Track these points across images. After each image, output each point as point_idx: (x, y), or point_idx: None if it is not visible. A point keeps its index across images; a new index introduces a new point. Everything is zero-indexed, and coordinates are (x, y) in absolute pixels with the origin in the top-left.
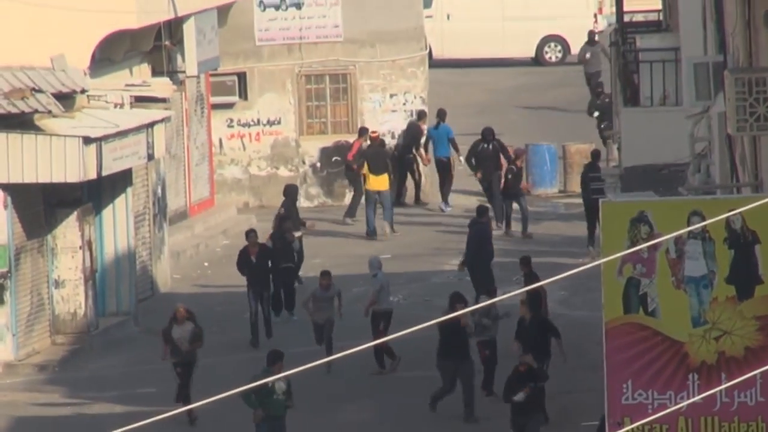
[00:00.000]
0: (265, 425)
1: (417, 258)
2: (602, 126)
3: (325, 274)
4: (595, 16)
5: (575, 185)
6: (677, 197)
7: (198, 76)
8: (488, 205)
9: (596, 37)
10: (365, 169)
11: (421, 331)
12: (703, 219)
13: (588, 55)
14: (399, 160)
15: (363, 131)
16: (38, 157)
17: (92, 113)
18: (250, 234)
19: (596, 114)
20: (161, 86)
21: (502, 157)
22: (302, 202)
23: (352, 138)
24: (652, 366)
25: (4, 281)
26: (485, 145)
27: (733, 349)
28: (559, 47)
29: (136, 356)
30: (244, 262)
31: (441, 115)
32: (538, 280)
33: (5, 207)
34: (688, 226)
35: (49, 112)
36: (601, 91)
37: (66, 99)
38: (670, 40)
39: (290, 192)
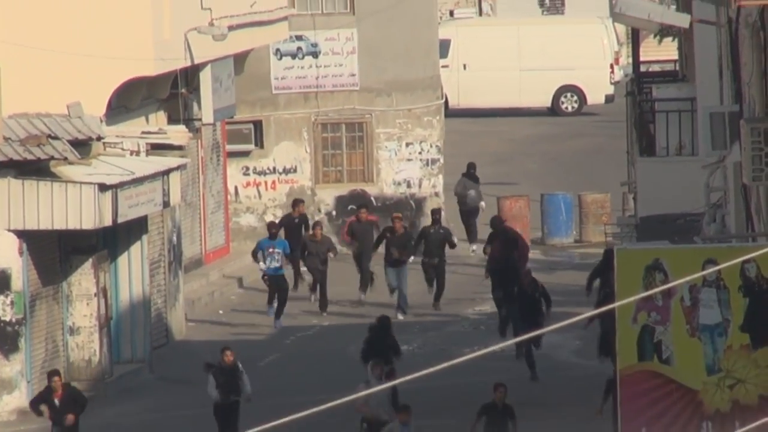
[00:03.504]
0: None
1: (432, 307)
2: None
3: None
4: (612, 66)
5: (590, 235)
6: (692, 245)
7: (214, 124)
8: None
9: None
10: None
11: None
12: (718, 267)
13: (471, 192)
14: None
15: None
16: (54, 204)
17: (108, 160)
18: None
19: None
20: (177, 134)
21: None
22: None
23: (368, 187)
24: (666, 414)
25: (20, 328)
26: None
27: (747, 397)
28: (575, 97)
29: (151, 404)
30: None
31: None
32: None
33: (21, 254)
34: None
35: (65, 159)
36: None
37: (82, 146)
38: (686, 90)
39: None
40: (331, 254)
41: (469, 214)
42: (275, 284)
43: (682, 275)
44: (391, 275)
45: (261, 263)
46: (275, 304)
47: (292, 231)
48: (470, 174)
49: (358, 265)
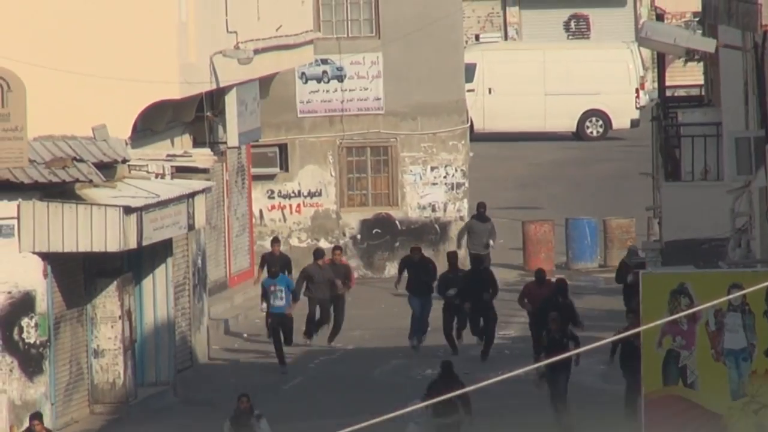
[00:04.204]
0: None
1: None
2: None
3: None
4: (637, 91)
5: (615, 259)
6: (717, 269)
7: (239, 147)
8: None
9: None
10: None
11: None
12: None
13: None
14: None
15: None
16: (79, 227)
17: (133, 183)
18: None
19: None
20: (202, 157)
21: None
22: None
23: (392, 211)
24: None
25: (44, 350)
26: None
27: None
28: (601, 122)
29: (175, 426)
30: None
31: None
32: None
33: (45, 276)
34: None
35: (90, 181)
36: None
37: (107, 169)
38: (711, 114)
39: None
40: (339, 283)
41: (479, 261)
42: (279, 323)
43: (708, 300)
44: (415, 304)
45: (263, 304)
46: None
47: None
48: (480, 215)
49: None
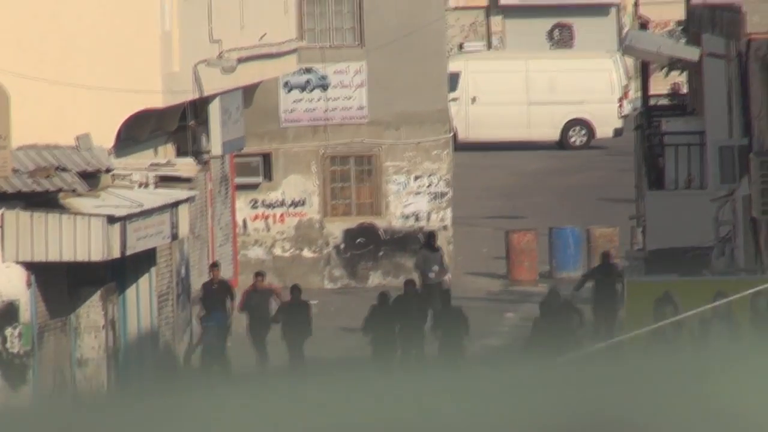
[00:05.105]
0: None
1: None
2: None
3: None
4: (620, 100)
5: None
6: (702, 277)
7: (222, 157)
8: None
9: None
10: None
11: None
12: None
13: (435, 269)
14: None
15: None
16: (62, 236)
17: (117, 192)
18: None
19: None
20: (186, 166)
21: None
22: (325, 284)
23: (376, 220)
24: None
25: (27, 360)
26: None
27: None
28: (584, 131)
29: None
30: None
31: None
32: None
33: (29, 286)
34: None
35: (74, 190)
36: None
37: (91, 178)
38: (695, 123)
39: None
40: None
41: (431, 290)
42: (213, 360)
43: (693, 308)
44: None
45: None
46: None
47: (213, 301)
48: (429, 245)
49: (252, 341)
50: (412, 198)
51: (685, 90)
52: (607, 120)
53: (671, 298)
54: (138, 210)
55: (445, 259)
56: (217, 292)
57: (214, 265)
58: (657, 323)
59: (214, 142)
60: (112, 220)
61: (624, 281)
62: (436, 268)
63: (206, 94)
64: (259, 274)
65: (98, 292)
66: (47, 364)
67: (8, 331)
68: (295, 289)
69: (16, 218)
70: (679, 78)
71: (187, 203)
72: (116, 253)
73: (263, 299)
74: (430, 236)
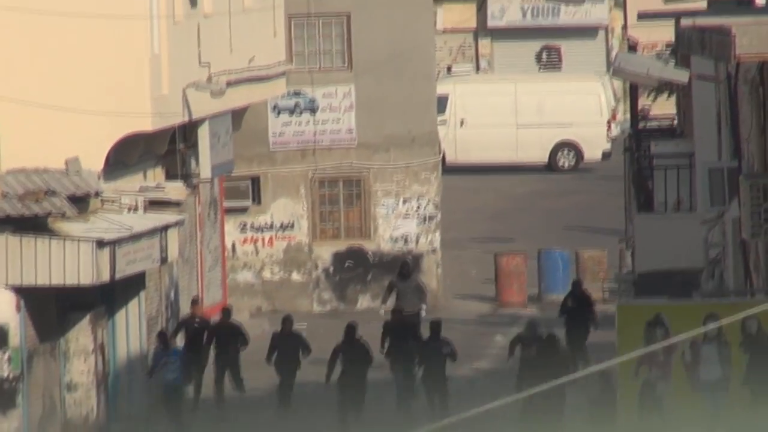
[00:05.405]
0: None
1: None
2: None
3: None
4: (609, 123)
5: (588, 290)
6: (693, 300)
7: (212, 180)
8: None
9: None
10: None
11: None
12: (718, 322)
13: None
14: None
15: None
16: (52, 260)
17: (106, 216)
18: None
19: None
20: (175, 190)
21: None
22: (314, 307)
23: (365, 243)
24: None
25: (17, 384)
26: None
27: None
28: (573, 154)
29: None
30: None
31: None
32: None
33: (18, 310)
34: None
35: (63, 214)
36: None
37: (80, 202)
38: (684, 145)
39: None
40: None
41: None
42: (173, 399)
43: (683, 331)
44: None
45: (151, 376)
46: None
47: (194, 338)
48: (402, 274)
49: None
50: (400, 221)
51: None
52: (595, 143)
53: (662, 321)
54: (127, 234)
55: (422, 287)
56: (198, 330)
57: (195, 302)
58: (648, 346)
59: (204, 166)
60: (101, 244)
61: (594, 308)
62: (411, 299)
63: (195, 117)
64: (195, 302)
65: (87, 317)
66: (37, 389)
67: None
68: (287, 321)
69: (5, 242)
70: (647, 101)
71: (177, 227)
72: (106, 277)
73: (199, 330)
74: (403, 266)
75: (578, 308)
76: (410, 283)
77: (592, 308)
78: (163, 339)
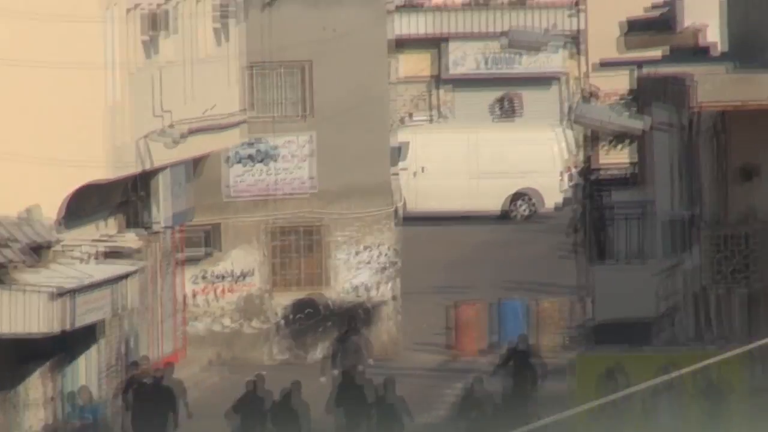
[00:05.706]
0: None
1: None
2: None
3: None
4: (561, 174)
5: (546, 340)
6: (651, 349)
7: (170, 229)
8: None
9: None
10: None
11: None
12: (677, 371)
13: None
14: None
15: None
16: (10, 310)
17: (64, 265)
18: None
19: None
20: (132, 239)
21: None
22: (273, 355)
23: (323, 291)
24: None
25: None
26: None
27: None
28: (527, 204)
29: None
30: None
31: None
32: None
33: None
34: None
35: (23, 262)
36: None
37: (38, 250)
38: (640, 194)
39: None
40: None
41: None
42: None
43: (641, 380)
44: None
45: None
46: None
47: (143, 400)
48: (341, 336)
49: None
50: (357, 270)
51: (600, 162)
52: (549, 193)
53: (621, 370)
54: (85, 283)
55: (361, 348)
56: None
57: (135, 363)
58: (607, 396)
59: (163, 214)
60: (58, 294)
61: (541, 362)
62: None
63: (154, 166)
64: (135, 364)
65: (46, 365)
66: None
67: None
68: (260, 379)
69: None
70: (607, 148)
71: (134, 276)
72: (64, 326)
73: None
74: (350, 321)
75: (524, 362)
76: (350, 346)
77: (540, 360)
78: (85, 394)
